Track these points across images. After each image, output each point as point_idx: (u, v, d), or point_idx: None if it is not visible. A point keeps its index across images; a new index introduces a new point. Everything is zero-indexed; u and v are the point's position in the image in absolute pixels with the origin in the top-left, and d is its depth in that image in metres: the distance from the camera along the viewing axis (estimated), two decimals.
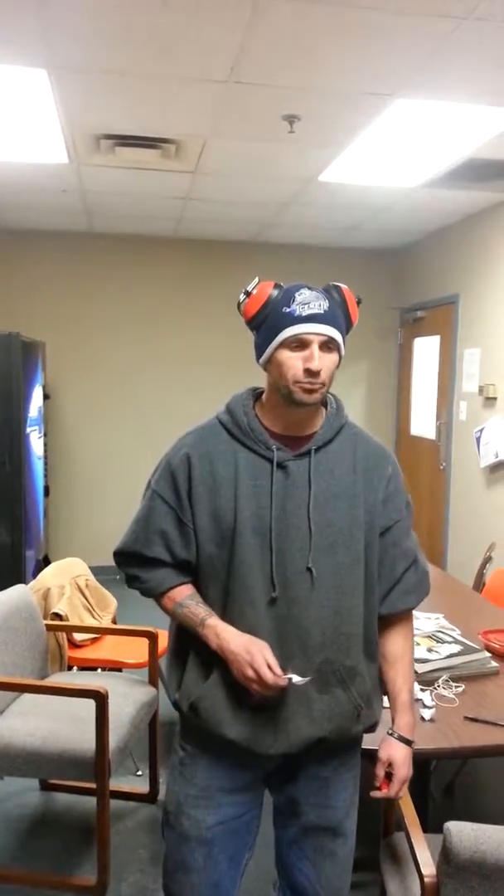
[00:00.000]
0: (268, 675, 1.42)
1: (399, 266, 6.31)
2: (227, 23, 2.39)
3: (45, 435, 5.41)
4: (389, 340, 6.38)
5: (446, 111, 3.07)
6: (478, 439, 4.85)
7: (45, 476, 5.37)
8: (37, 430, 4.96)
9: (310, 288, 1.49)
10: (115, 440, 6.03)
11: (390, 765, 1.56)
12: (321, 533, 1.51)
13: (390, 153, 3.63)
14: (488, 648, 2.49)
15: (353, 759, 1.64)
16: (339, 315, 1.50)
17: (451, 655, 2.35)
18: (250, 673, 1.43)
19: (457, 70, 2.69)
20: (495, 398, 4.71)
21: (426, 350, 5.91)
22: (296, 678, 1.45)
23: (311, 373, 1.46)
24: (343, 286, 1.54)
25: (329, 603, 1.50)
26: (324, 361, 1.47)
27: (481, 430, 4.81)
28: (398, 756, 1.56)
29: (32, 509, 4.80)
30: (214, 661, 1.51)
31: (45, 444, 5.41)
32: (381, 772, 1.57)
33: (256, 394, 1.62)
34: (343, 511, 1.53)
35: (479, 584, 3.65)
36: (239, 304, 1.53)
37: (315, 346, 1.46)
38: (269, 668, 1.43)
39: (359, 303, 1.56)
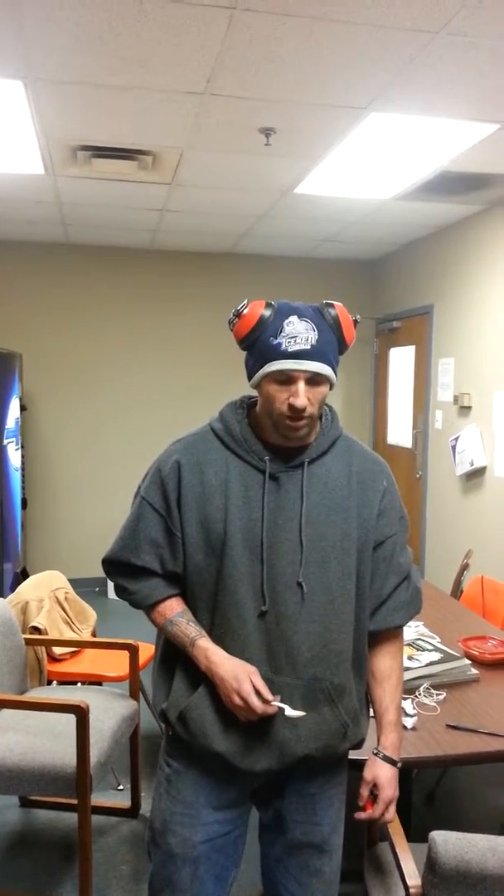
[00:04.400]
0: (256, 705, 1.41)
1: (374, 277, 6.37)
2: (203, 35, 2.40)
3: (23, 447, 5.36)
4: (365, 350, 6.43)
5: (419, 124, 3.11)
6: (453, 448, 4.90)
7: (23, 488, 5.32)
8: (14, 442, 4.91)
9: (300, 315, 1.43)
10: (92, 452, 6.00)
11: (375, 785, 1.54)
12: (313, 547, 1.48)
13: (365, 166, 3.67)
14: (468, 656, 2.51)
15: (340, 775, 1.62)
16: (329, 345, 1.45)
17: (431, 663, 2.36)
18: (237, 700, 1.42)
19: (429, 84, 2.73)
20: (470, 407, 4.76)
21: (401, 360, 5.96)
22: (288, 710, 1.43)
23: (295, 409, 1.43)
24: (338, 305, 1.48)
25: (319, 618, 1.48)
26: (310, 396, 1.44)
27: (456, 439, 4.86)
28: (383, 776, 1.54)
29: (10, 522, 4.76)
30: (203, 672, 1.49)
31: (23, 456, 5.37)
32: (365, 792, 1.54)
33: (250, 402, 1.59)
34: (336, 525, 1.50)
35: (456, 592, 3.68)
36: (230, 323, 1.50)
37: (301, 383, 1.43)
38: (259, 693, 1.41)
39: (356, 323, 1.52)
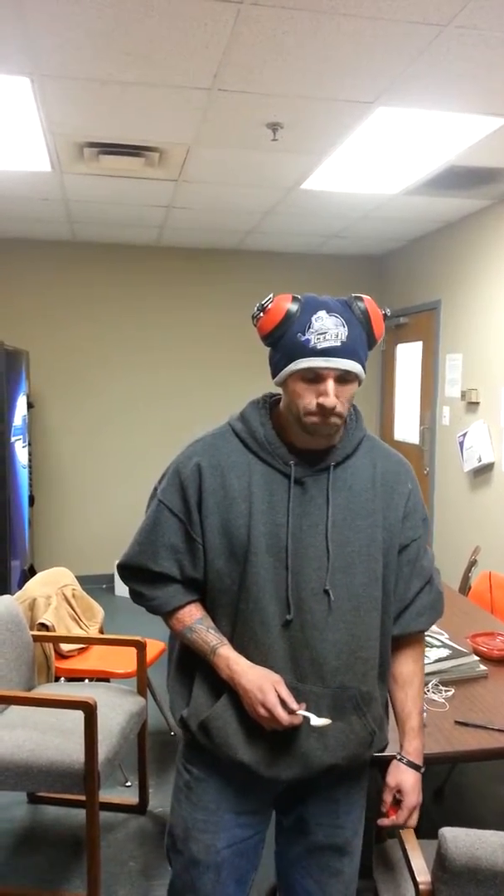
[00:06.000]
0: (282, 716, 1.36)
1: (381, 273, 6.35)
2: (210, 31, 2.39)
3: (30, 444, 5.37)
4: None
5: (427, 119, 3.09)
6: (461, 444, 4.88)
7: (30, 485, 5.33)
8: (21, 440, 4.92)
9: (329, 310, 1.37)
10: (99, 449, 6.01)
11: (399, 791, 1.51)
12: (338, 552, 1.43)
13: (372, 161, 3.65)
14: (476, 652, 2.50)
15: (363, 779, 1.61)
16: (359, 341, 1.39)
17: (439, 660, 2.35)
18: (262, 712, 1.37)
19: (437, 78, 2.72)
20: (477, 403, 4.74)
21: (409, 356, 5.94)
22: (314, 719, 1.39)
23: (323, 408, 1.37)
24: (367, 299, 1.42)
25: (346, 626, 1.44)
26: (339, 395, 1.38)
27: (464, 435, 4.84)
28: (407, 782, 1.50)
29: (17, 519, 4.77)
30: (225, 680, 1.45)
31: (30, 454, 5.37)
32: (389, 798, 1.51)
33: (274, 401, 1.53)
34: (362, 529, 1.45)
35: (464, 588, 3.67)
36: (253, 318, 1.43)
37: (330, 382, 1.37)
38: (284, 704, 1.37)
39: (385, 317, 1.45)
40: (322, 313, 1.36)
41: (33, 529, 5.64)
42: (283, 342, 1.39)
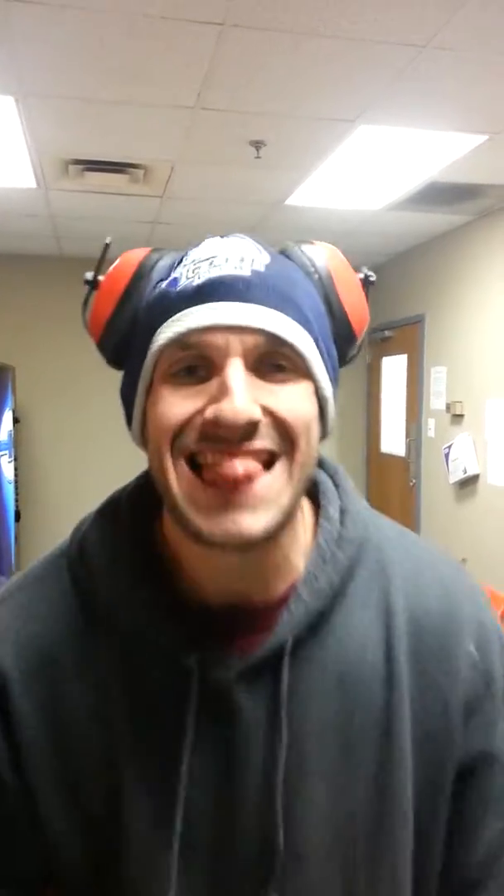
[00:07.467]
0: None
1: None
2: (193, 50, 2.42)
3: (16, 459, 5.36)
4: (358, 360, 6.39)
5: (408, 136, 3.14)
6: (446, 456, 4.92)
7: (16, 501, 5.31)
8: (7, 455, 4.91)
9: (226, 235, 0.67)
10: (86, 463, 6.00)
11: None
12: (305, 838, 0.64)
13: (355, 177, 3.70)
14: None
15: None
16: (300, 289, 0.66)
17: None
18: None
19: (418, 96, 2.76)
20: (462, 415, 4.78)
21: (394, 369, 5.98)
22: None
23: (216, 426, 0.57)
24: (324, 246, 0.75)
25: None
26: (267, 403, 0.59)
27: (449, 447, 4.88)
28: None
29: (3, 535, 4.75)
30: None
31: (16, 469, 5.36)
32: None
33: (156, 498, 0.68)
34: (360, 779, 0.65)
35: None
36: (84, 307, 0.74)
37: (233, 362, 0.58)
38: None
39: (368, 282, 0.77)
40: (210, 240, 0.67)
41: (19, 545, 5.61)
42: (137, 327, 0.65)
